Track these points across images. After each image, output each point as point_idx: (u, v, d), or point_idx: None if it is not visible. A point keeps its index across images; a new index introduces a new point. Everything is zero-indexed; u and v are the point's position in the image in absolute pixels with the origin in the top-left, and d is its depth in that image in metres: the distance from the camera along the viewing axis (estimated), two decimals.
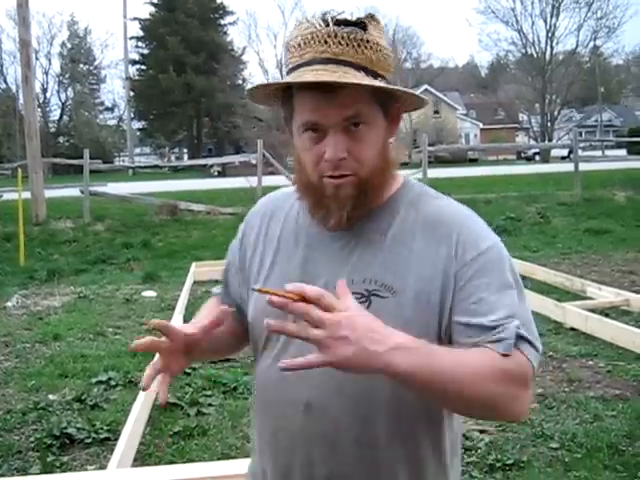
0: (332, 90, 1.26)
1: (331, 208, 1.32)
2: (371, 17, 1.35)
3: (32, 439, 4.42)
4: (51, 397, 5.13)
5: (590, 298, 7.35)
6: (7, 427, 4.65)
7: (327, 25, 1.29)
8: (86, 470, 4.00)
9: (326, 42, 1.28)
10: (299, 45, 1.30)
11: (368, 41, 1.30)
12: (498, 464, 3.82)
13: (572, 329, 6.24)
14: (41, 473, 3.93)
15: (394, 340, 1.12)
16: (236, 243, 1.56)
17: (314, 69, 1.27)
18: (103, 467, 3.94)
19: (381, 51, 1.32)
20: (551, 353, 5.65)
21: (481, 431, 4.25)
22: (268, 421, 1.42)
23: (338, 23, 1.29)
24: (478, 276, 1.27)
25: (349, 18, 1.31)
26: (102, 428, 4.47)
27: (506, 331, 1.21)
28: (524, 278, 8.49)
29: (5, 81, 61.38)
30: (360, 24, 1.30)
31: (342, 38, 1.28)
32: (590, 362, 5.44)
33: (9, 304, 8.39)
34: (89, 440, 4.35)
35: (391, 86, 1.32)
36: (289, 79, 1.30)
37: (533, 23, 54.58)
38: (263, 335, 1.41)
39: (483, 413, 1.32)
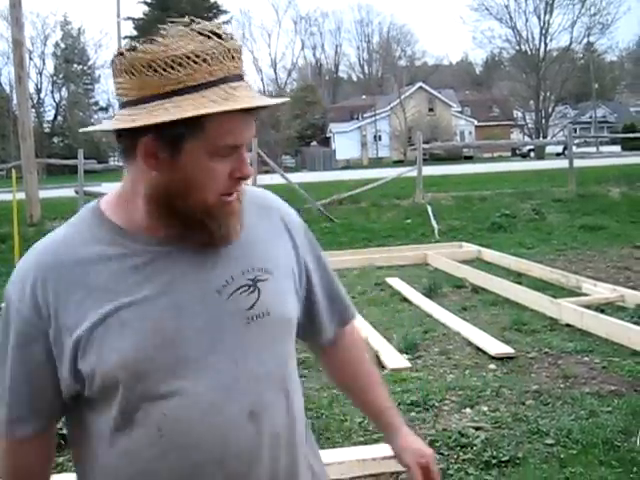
0: (251, 111, 1.23)
1: (230, 224, 1.28)
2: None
3: None
4: None
5: (585, 294, 7.35)
6: None
7: (221, 39, 1.21)
8: None
9: (233, 58, 1.22)
10: (204, 60, 1.18)
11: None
12: (494, 461, 3.81)
13: (567, 325, 6.25)
14: None
15: None
16: (23, 322, 1.31)
17: (233, 87, 1.20)
18: None
19: None
20: (546, 349, 5.65)
21: (476, 428, 4.25)
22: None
23: (230, 37, 1.23)
24: (313, 249, 1.53)
25: (227, 31, 1.25)
26: None
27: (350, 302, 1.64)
28: (519, 275, 8.52)
29: None
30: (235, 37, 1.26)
31: (239, 53, 1.24)
32: (586, 358, 5.44)
33: (4, 305, 8.36)
34: None
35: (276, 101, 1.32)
36: (225, 106, 1.18)
37: (527, 20, 54.73)
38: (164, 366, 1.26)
39: None
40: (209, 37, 1.20)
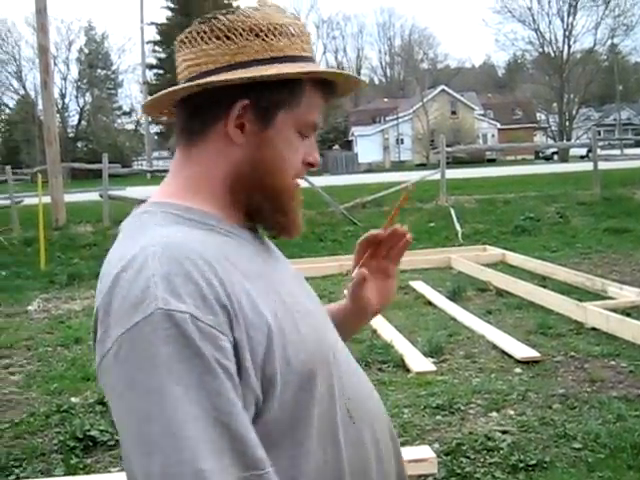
0: (328, 94, 1.21)
1: (298, 212, 1.22)
2: None
3: (55, 441, 4.46)
4: (74, 400, 5.16)
5: (611, 298, 7.29)
6: (31, 430, 4.69)
7: (303, 24, 1.21)
8: (109, 472, 4.02)
9: (309, 42, 1.20)
10: (297, 36, 1.16)
11: None
12: (521, 465, 3.80)
13: (593, 329, 6.20)
14: (65, 475, 3.96)
15: None
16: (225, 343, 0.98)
17: (316, 66, 1.19)
18: None
19: None
20: (572, 353, 5.62)
21: (503, 431, 4.24)
22: (367, 435, 1.19)
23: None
24: None
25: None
26: None
27: None
28: (544, 278, 8.45)
29: (24, 87, 62.16)
30: None
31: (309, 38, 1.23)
32: (612, 362, 5.40)
33: (30, 308, 8.45)
34: (112, 442, 4.37)
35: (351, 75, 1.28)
36: (327, 69, 1.18)
37: (550, 22, 54.36)
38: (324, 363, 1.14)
39: None
40: (295, 18, 1.19)
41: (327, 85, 1.19)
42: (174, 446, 0.90)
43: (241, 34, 1.12)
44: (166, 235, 1.05)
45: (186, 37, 1.16)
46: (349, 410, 1.15)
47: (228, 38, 1.12)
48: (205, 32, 1.12)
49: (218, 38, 1.12)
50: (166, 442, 0.90)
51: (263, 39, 1.12)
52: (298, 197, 1.21)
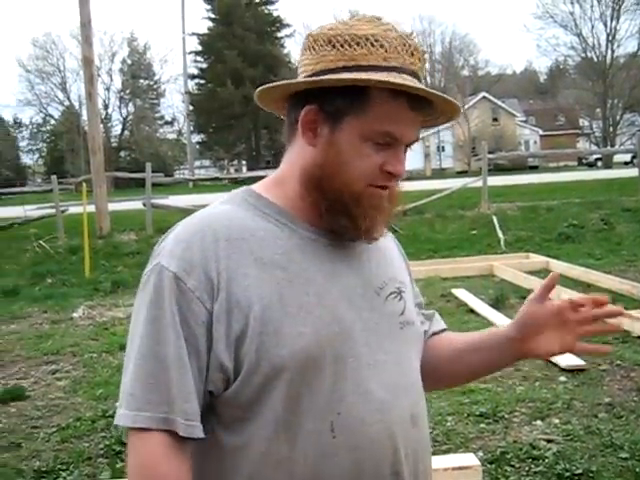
0: (419, 107, 1.21)
1: (376, 220, 1.25)
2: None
3: (101, 446, 4.52)
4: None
5: None
6: (77, 434, 4.76)
7: (408, 37, 1.22)
8: None
9: (413, 55, 1.22)
10: (381, 46, 1.19)
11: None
12: (567, 474, 3.75)
13: (639, 337, 6.11)
14: (111, 479, 4.02)
15: None
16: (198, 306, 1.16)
17: (406, 79, 1.18)
18: None
19: None
20: (618, 362, 5.54)
21: (548, 440, 4.19)
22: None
23: (415, 38, 1.24)
24: (410, 270, 1.51)
25: (412, 34, 1.25)
26: None
27: (437, 315, 1.57)
28: (588, 286, 8.35)
29: (69, 98, 63.30)
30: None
31: (421, 55, 1.24)
32: None
33: (75, 315, 8.58)
34: None
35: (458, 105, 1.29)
36: (401, 80, 1.17)
37: (593, 27, 53.80)
38: (319, 366, 1.19)
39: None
40: (393, 29, 1.21)
41: (416, 98, 1.20)
42: (125, 368, 1.17)
43: (321, 45, 1.22)
44: (210, 211, 1.27)
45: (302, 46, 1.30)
46: (333, 425, 1.18)
47: (313, 49, 1.24)
48: (304, 44, 1.26)
49: (307, 49, 1.25)
50: (125, 364, 1.18)
51: (338, 49, 1.21)
52: (373, 203, 1.24)
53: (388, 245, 1.45)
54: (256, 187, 1.32)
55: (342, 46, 1.20)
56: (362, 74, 1.17)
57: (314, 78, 1.21)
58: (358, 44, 1.19)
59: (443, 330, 1.55)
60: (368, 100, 1.19)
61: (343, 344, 1.21)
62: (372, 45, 1.19)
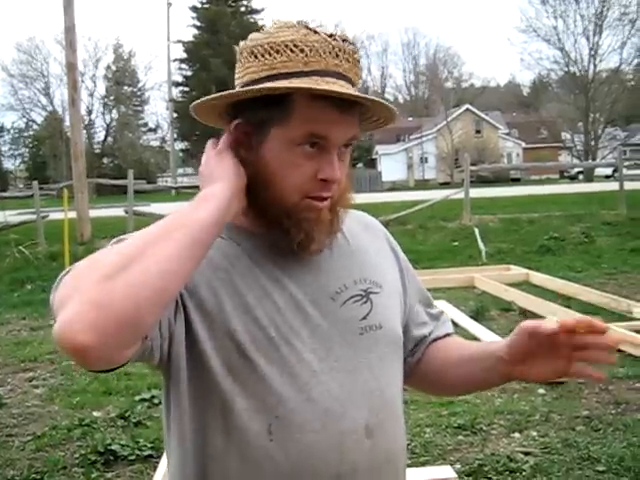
0: (343, 108, 1.18)
1: (312, 233, 1.22)
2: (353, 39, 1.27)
3: (77, 455, 4.48)
4: (95, 414, 5.19)
5: (637, 319, 7.21)
6: (53, 443, 4.71)
7: (332, 38, 1.20)
8: None
9: (337, 56, 1.19)
10: (301, 50, 1.17)
11: (360, 62, 1.25)
12: None
13: (619, 350, 6.12)
14: None
15: None
16: None
17: (329, 81, 1.17)
18: None
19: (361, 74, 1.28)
20: None
21: (525, 453, 4.19)
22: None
23: (342, 39, 1.21)
24: (409, 267, 1.51)
25: (346, 36, 1.23)
26: (146, 445, 4.50)
27: (444, 316, 1.56)
28: (568, 299, 8.39)
29: (52, 104, 62.95)
30: (353, 43, 1.24)
31: (349, 55, 1.21)
32: (637, 384, 5.33)
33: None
34: (133, 457, 4.39)
35: (391, 108, 1.25)
36: (318, 85, 1.15)
37: (576, 41, 54.08)
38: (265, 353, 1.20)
39: None
40: (316, 32, 1.19)
41: (342, 100, 1.17)
42: None
43: (246, 57, 1.22)
44: None
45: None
46: (271, 427, 1.17)
47: (240, 61, 1.24)
48: (237, 57, 1.25)
49: (237, 62, 1.25)
50: None
51: (259, 59, 1.20)
52: (310, 215, 1.22)
53: (370, 243, 1.41)
54: None
55: (262, 56, 1.19)
56: (282, 82, 1.16)
57: (230, 91, 1.20)
58: (277, 52, 1.18)
59: (448, 334, 1.51)
60: (290, 108, 1.18)
61: (279, 349, 1.19)
62: (291, 51, 1.17)
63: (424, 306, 1.51)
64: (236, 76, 1.25)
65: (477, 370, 1.36)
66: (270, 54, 1.19)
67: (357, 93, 1.19)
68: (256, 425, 1.17)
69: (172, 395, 1.22)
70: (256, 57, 1.20)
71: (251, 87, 1.18)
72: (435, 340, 1.48)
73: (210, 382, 1.18)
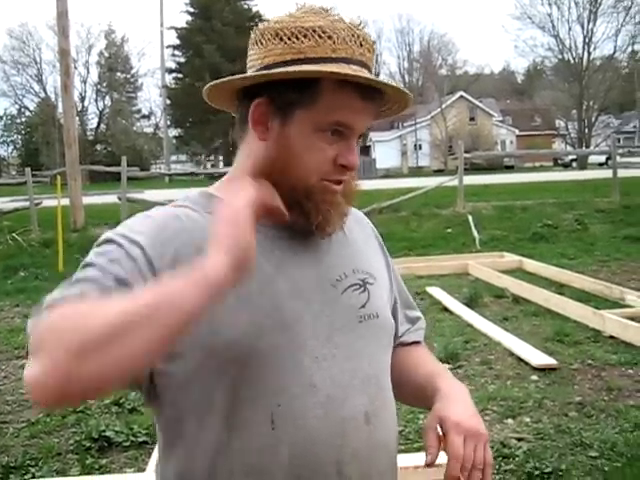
0: (366, 96, 1.20)
1: (329, 215, 1.24)
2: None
3: (71, 442, 4.48)
4: (90, 401, 5.18)
5: (629, 306, 7.24)
6: (47, 429, 4.72)
7: (356, 27, 1.22)
8: (125, 472, 4.04)
9: (361, 45, 1.21)
10: (329, 37, 1.19)
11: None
12: (536, 472, 3.77)
13: (611, 337, 6.16)
14: (80, 475, 3.99)
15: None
16: (137, 261, 1.14)
17: (355, 69, 1.18)
18: (141, 470, 3.98)
19: None
20: (589, 361, 5.59)
21: (519, 439, 4.22)
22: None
23: (363, 28, 1.24)
24: (394, 266, 1.52)
25: (360, 25, 1.25)
26: (140, 432, 4.51)
27: (420, 322, 1.57)
28: (561, 286, 8.42)
29: (44, 90, 62.68)
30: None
31: (370, 45, 1.23)
32: (630, 370, 5.36)
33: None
34: (127, 443, 4.40)
35: (407, 93, 1.28)
36: (346, 70, 1.17)
37: (570, 29, 54.03)
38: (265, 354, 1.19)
39: None
40: (341, 20, 1.21)
41: (366, 88, 1.20)
42: None
43: (268, 39, 1.22)
44: (163, 208, 1.26)
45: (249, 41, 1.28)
46: (273, 416, 1.17)
47: (261, 43, 1.23)
48: (251, 39, 1.25)
49: (255, 44, 1.24)
50: None
51: (285, 42, 1.20)
52: (327, 198, 1.23)
53: (361, 236, 1.43)
54: (211, 187, 1.33)
55: (289, 39, 1.19)
56: (311, 66, 1.17)
57: (264, 72, 1.20)
58: (305, 36, 1.19)
59: (416, 342, 1.52)
60: (318, 92, 1.19)
61: (282, 334, 1.19)
62: (320, 37, 1.19)
63: (403, 307, 1.52)
64: (254, 57, 1.24)
65: (409, 395, 1.43)
66: (298, 38, 1.19)
67: (385, 80, 1.21)
68: (258, 414, 1.17)
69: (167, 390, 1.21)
70: (281, 39, 1.20)
71: (284, 69, 1.18)
72: (402, 345, 1.49)
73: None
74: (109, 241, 1.16)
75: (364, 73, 1.19)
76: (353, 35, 1.21)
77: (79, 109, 56.53)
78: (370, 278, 1.35)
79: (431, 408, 1.28)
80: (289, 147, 1.21)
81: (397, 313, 1.49)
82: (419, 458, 3.58)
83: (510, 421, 4.51)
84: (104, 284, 1.09)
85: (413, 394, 1.41)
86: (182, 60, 60.61)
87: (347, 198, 1.28)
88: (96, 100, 64.13)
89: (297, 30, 1.19)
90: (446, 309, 7.61)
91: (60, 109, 28.86)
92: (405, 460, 3.62)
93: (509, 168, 48.75)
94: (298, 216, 1.24)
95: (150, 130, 68.41)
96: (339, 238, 1.34)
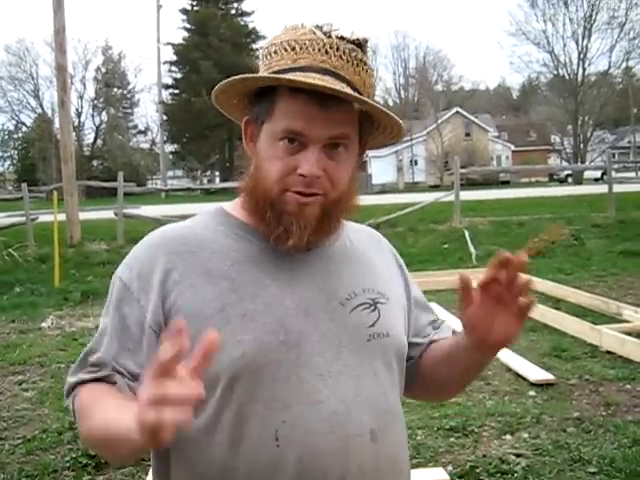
0: (325, 104, 1.18)
1: (291, 227, 1.22)
2: (365, 41, 1.29)
3: (67, 458, 4.45)
4: None
5: (626, 321, 7.24)
6: (43, 446, 4.68)
7: (328, 36, 1.22)
8: None
9: (327, 52, 1.21)
10: (292, 49, 1.21)
11: (365, 63, 1.26)
12: None
13: (608, 352, 6.16)
14: None
15: None
16: (142, 296, 1.26)
17: (309, 76, 1.17)
18: None
19: (372, 76, 1.29)
20: (587, 376, 5.57)
21: (517, 455, 4.20)
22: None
23: (339, 37, 1.23)
24: (413, 284, 1.52)
25: (348, 36, 1.25)
26: None
27: (445, 324, 1.56)
28: (558, 301, 8.41)
29: (41, 106, 62.70)
30: (358, 44, 1.25)
31: (343, 53, 1.22)
32: (628, 386, 5.35)
33: (44, 325, 8.47)
34: None
35: (382, 109, 1.23)
36: (290, 76, 1.18)
37: (565, 45, 54.70)
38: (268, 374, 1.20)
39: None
40: (313, 32, 1.23)
41: (328, 96, 1.18)
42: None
43: (261, 59, 1.29)
44: (171, 227, 1.39)
45: None
46: (277, 433, 1.17)
47: (261, 62, 1.30)
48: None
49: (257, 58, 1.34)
50: None
51: (264, 61, 1.27)
52: (290, 209, 1.22)
53: (377, 256, 1.43)
54: (226, 205, 1.37)
55: (266, 57, 1.27)
56: (254, 75, 1.24)
57: (222, 82, 1.26)
58: (275, 52, 1.24)
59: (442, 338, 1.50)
60: (274, 102, 1.22)
61: (288, 353, 1.20)
62: (285, 50, 1.23)
63: (425, 314, 1.52)
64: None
65: (453, 359, 1.38)
66: (271, 55, 1.25)
67: (331, 86, 1.16)
68: (263, 431, 1.17)
69: None
70: (264, 58, 1.27)
71: (228, 80, 1.24)
72: (432, 342, 1.49)
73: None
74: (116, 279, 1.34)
75: (321, 79, 1.17)
76: (319, 44, 1.21)
77: (76, 124, 56.55)
78: (381, 298, 1.34)
79: (471, 343, 1.28)
80: (257, 160, 1.26)
81: (422, 326, 1.49)
82: (417, 475, 3.57)
83: (508, 437, 4.49)
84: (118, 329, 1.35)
85: (450, 361, 1.38)
86: (179, 76, 60.89)
87: (329, 213, 1.25)
88: (93, 116, 64.26)
89: (272, 48, 1.25)
90: None
91: (57, 124, 28.87)
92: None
93: (505, 183, 48.89)
94: (264, 227, 1.27)
95: (146, 146, 68.56)
96: (350, 256, 1.35)
